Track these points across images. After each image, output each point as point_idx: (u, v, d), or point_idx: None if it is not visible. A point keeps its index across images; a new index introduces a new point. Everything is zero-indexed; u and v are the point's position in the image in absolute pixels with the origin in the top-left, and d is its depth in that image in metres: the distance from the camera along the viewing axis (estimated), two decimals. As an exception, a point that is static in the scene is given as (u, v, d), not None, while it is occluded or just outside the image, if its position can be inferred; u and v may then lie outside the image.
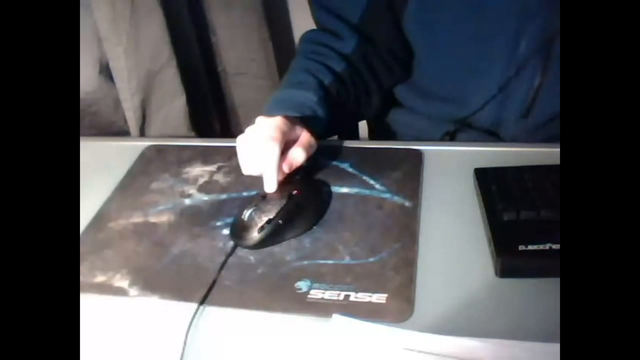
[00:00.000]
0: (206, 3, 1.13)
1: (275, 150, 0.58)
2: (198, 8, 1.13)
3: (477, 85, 0.74)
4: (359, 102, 0.76)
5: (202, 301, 0.52)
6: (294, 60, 0.76)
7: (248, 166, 0.62)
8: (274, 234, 0.57)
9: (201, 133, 1.12)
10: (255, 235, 0.56)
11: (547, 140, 0.74)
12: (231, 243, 0.58)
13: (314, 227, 0.59)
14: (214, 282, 0.54)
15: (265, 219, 0.57)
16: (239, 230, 0.58)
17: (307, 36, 0.78)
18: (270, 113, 0.65)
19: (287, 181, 0.61)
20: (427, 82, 0.80)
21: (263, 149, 0.59)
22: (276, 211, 0.57)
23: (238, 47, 1.19)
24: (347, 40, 0.74)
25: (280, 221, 0.57)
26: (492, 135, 0.78)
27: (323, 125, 0.69)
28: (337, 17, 0.74)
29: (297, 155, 0.62)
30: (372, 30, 0.75)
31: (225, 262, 0.56)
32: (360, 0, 0.72)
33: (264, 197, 0.59)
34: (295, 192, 0.59)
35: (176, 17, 1.04)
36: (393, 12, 0.73)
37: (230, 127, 1.27)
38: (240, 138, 0.62)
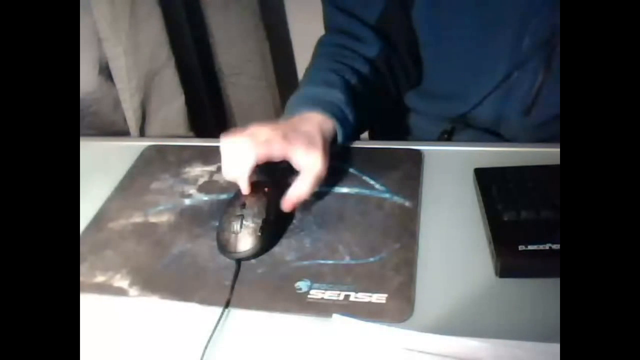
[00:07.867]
0: (203, 3, 1.13)
1: (247, 159, 0.55)
2: (196, 8, 1.13)
3: (479, 82, 0.74)
4: (378, 106, 0.75)
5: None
6: (312, 63, 0.74)
7: (228, 171, 0.58)
8: (272, 235, 0.57)
9: (199, 133, 1.12)
10: (256, 242, 0.55)
11: (548, 139, 0.74)
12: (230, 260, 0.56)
13: (314, 227, 0.59)
14: (228, 302, 0.52)
15: (259, 222, 0.55)
16: (234, 244, 0.55)
17: (327, 39, 0.76)
18: (293, 112, 0.62)
19: (253, 182, 0.58)
20: (429, 82, 0.79)
21: (238, 155, 0.56)
22: (264, 210, 0.56)
23: (234, 48, 1.18)
24: (370, 45, 0.73)
25: (271, 217, 0.56)
26: (493, 134, 0.78)
27: (350, 128, 0.66)
28: (353, 17, 0.73)
29: (299, 189, 0.57)
30: (391, 32, 0.74)
31: (235, 281, 0.53)
32: (375, 0, 0.72)
33: (243, 205, 0.57)
34: (266, 189, 0.58)
35: (174, 17, 1.04)
36: (405, 11, 0.72)
37: (228, 128, 1.27)
38: (223, 140, 0.58)
